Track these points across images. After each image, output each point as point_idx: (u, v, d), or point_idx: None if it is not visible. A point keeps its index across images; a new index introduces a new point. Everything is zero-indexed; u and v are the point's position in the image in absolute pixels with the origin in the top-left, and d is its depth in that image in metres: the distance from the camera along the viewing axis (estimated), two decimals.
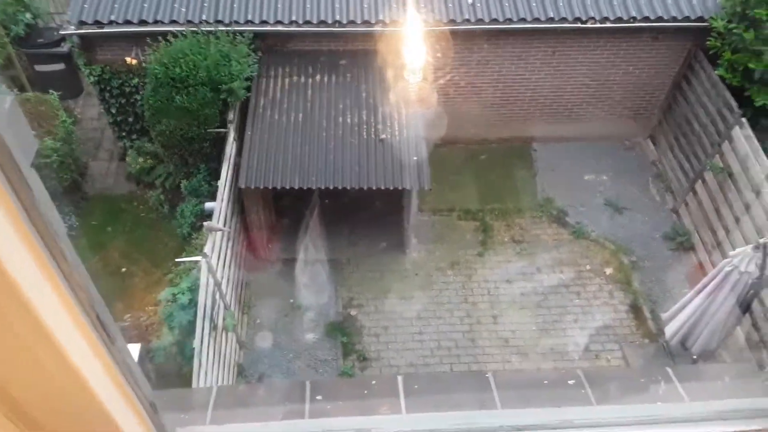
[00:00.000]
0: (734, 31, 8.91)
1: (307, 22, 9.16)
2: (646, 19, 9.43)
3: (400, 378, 1.86)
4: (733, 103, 8.84)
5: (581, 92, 10.59)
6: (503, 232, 9.97)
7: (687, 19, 9.46)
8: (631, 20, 9.42)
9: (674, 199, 10.31)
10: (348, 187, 8.15)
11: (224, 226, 7.70)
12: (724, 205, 8.92)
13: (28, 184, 0.81)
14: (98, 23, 9.04)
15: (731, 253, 6.93)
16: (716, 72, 9.26)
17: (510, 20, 9.34)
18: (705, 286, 6.99)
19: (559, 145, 11.06)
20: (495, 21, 9.33)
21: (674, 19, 9.46)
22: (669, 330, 7.48)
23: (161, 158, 9.57)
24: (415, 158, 8.38)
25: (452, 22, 9.28)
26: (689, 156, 9.94)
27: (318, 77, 9.29)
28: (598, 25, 9.43)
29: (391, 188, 8.16)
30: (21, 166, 0.79)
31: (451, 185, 10.42)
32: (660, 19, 9.44)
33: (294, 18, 9.17)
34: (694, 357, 7.57)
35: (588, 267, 9.58)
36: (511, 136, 11.10)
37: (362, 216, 9.72)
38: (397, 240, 9.63)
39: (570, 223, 10.07)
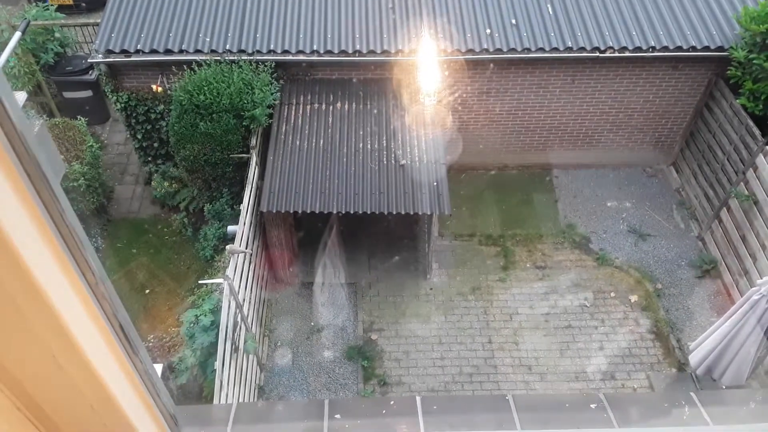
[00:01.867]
0: (755, 61, 8.87)
1: (328, 52, 9.31)
2: (665, 48, 9.42)
3: (418, 398, 1.85)
4: (757, 131, 8.77)
5: (602, 119, 10.58)
6: (525, 258, 9.90)
7: (706, 48, 9.43)
8: (650, 50, 9.41)
9: (699, 226, 10.18)
10: (368, 212, 8.19)
11: (246, 248, 7.77)
12: (750, 232, 8.78)
13: (57, 198, 0.84)
14: (125, 52, 9.27)
15: (759, 281, 6.80)
16: (738, 101, 9.20)
17: (528, 50, 9.41)
18: (732, 314, 6.85)
19: (580, 171, 11.02)
20: (513, 50, 9.39)
21: (693, 49, 9.44)
22: (694, 359, 7.32)
23: (185, 182, 9.72)
24: (435, 183, 8.41)
25: (471, 51, 9.36)
26: (713, 183, 9.84)
27: (339, 104, 9.41)
28: (617, 54, 9.44)
29: (411, 213, 8.19)
30: (51, 182, 0.82)
31: (472, 210, 10.41)
32: (679, 48, 9.42)
33: (315, 47, 9.32)
34: (723, 388, 7.39)
35: (612, 294, 9.45)
36: (531, 163, 11.09)
37: (383, 240, 9.74)
38: (418, 264, 9.63)
39: (593, 249, 9.98)
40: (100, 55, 9.27)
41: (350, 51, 9.31)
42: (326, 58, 9.34)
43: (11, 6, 13.40)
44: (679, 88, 10.18)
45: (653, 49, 9.41)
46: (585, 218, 10.37)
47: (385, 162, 8.63)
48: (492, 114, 10.37)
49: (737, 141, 9.21)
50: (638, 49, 9.40)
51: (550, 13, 9.80)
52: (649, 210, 10.53)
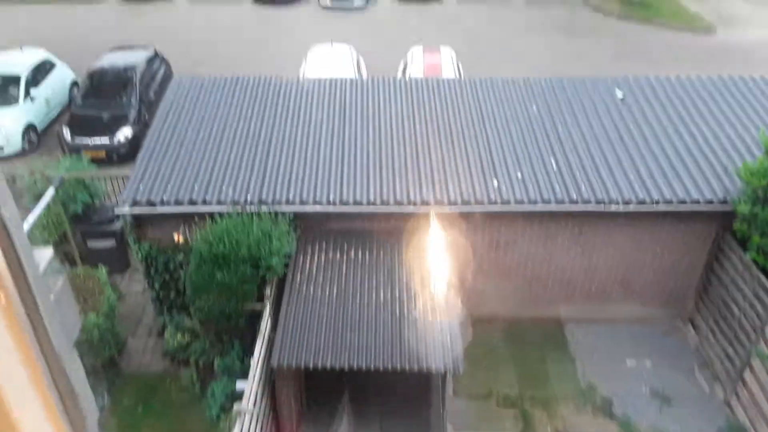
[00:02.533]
0: (759, 215, 9.00)
1: (343, 203, 9.70)
2: (669, 202, 9.69)
3: None
4: None
5: (612, 273, 10.64)
6: (545, 422, 9.47)
7: (710, 202, 9.68)
8: (654, 203, 9.70)
9: (723, 389, 9.81)
10: (380, 368, 8.06)
11: (254, 406, 7.58)
12: None
13: (66, 372, 0.88)
14: (150, 203, 9.70)
15: None
16: (747, 255, 9.23)
17: (534, 202, 9.75)
18: None
19: (595, 326, 10.88)
20: (520, 203, 9.75)
21: (696, 202, 9.68)
22: None
23: (198, 334, 9.71)
24: (448, 338, 8.33)
25: (479, 203, 9.72)
26: (732, 341, 9.61)
27: (353, 254, 9.65)
28: (622, 208, 9.72)
29: (424, 370, 8.04)
30: (62, 356, 0.86)
31: (486, 366, 10.17)
32: (682, 201, 9.70)
33: (331, 199, 9.74)
34: None
35: None
36: (544, 316, 11.03)
37: (395, 397, 9.46)
38: (432, 428, 9.22)
39: (616, 414, 9.57)
40: (127, 206, 9.68)
41: (364, 202, 9.71)
42: (341, 209, 9.71)
43: (47, 156, 14.29)
44: (686, 242, 10.32)
45: (657, 203, 9.68)
46: (605, 378, 10.04)
47: (397, 314, 8.66)
48: (502, 265, 10.51)
49: (751, 296, 9.13)
50: (642, 202, 9.69)
51: (554, 167, 10.28)
52: (671, 371, 10.20)
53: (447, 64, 16.64)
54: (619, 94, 11.96)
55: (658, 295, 10.91)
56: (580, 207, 9.72)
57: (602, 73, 13.40)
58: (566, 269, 10.59)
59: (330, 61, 16.59)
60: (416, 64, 16.66)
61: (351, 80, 12.70)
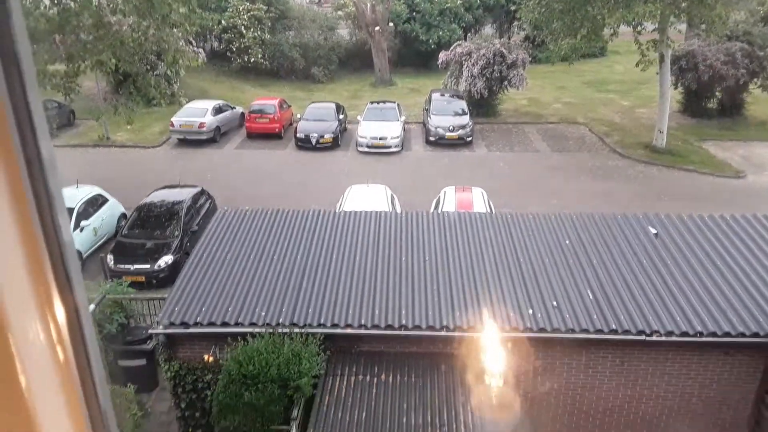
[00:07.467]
0: None
1: (375, 326, 9.65)
2: (713, 334, 9.38)
3: None
4: None
5: (658, 404, 10.07)
6: None
7: (756, 335, 9.36)
8: (697, 335, 9.39)
9: None
10: None
11: None
12: None
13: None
14: (184, 324, 9.80)
15: None
16: None
17: (572, 330, 9.53)
18: None
19: None
20: (557, 330, 9.54)
21: (742, 335, 9.37)
22: None
23: None
24: None
25: (515, 329, 9.55)
26: None
27: (383, 376, 9.40)
28: (664, 338, 9.43)
29: None
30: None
31: None
32: (727, 334, 9.38)
33: (363, 322, 9.70)
34: None
35: None
36: None
37: None
38: None
39: None
40: (161, 327, 9.81)
41: (396, 326, 9.63)
42: (373, 332, 9.64)
43: (89, 281, 14.73)
44: (735, 374, 9.83)
45: (700, 334, 9.38)
46: None
47: None
48: (540, 393, 10.07)
49: None
50: (685, 334, 9.39)
51: (591, 297, 10.15)
52: None
53: (479, 201, 17.15)
54: (653, 229, 12.04)
55: (710, 429, 10.17)
56: (620, 336, 9.44)
57: (631, 211, 13.58)
58: (609, 398, 10.06)
59: (366, 199, 17.27)
60: (449, 200, 17.22)
61: (386, 213, 13.15)
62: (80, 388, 0.78)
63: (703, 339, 9.38)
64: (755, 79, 28.28)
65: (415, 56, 41.70)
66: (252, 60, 37.35)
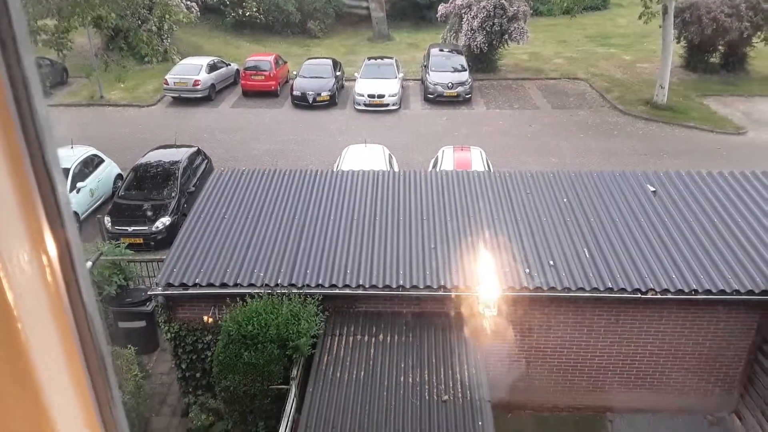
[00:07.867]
0: None
1: (373, 286, 9.69)
2: (708, 292, 9.45)
3: None
4: None
5: (651, 361, 10.23)
6: None
7: (751, 292, 9.41)
8: (692, 293, 9.46)
9: None
10: None
11: None
12: None
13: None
14: (183, 285, 9.84)
15: None
16: None
17: (568, 289, 9.59)
18: None
19: (637, 417, 10.33)
20: (553, 289, 9.60)
21: (737, 292, 9.43)
22: None
23: (222, 415, 9.51)
24: (480, 423, 8.00)
25: (511, 288, 9.60)
26: None
27: (381, 336, 9.50)
28: (659, 296, 9.49)
29: None
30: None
31: None
32: (722, 292, 9.44)
33: (361, 282, 9.74)
34: None
35: None
36: (583, 404, 10.53)
37: None
38: None
39: None
40: (160, 288, 9.85)
41: (394, 286, 9.68)
42: (371, 292, 9.69)
43: (86, 242, 14.73)
44: (728, 331, 9.95)
45: (695, 292, 9.44)
46: None
47: (426, 397, 8.38)
48: (536, 351, 10.21)
49: None
50: (680, 291, 9.45)
51: (587, 255, 10.18)
52: None
53: (477, 160, 17.05)
54: (651, 187, 11.99)
55: (702, 385, 10.37)
56: (616, 294, 9.51)
57: (630, 169, 13.51)
58: (604, 355, 10.21)
59: (363, 158, 17.16)
60: (447, 160, 17.11)
61: (383, 172, 13.07)
62: (71, 313, 0.80)
63: (698, 296, 9.44)
64: (759, 32, 27.75)
65: (414, 7, 40.80)
66: (247, 14, 36.51)
